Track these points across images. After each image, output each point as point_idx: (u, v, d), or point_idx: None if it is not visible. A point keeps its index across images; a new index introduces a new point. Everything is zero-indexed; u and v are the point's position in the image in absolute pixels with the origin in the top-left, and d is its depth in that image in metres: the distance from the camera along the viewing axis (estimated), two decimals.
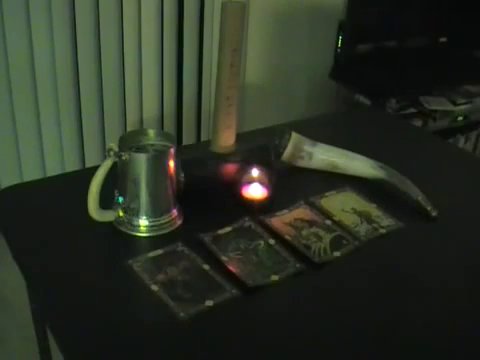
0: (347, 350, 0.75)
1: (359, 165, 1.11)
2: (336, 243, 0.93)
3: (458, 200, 1.10)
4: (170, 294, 0.80)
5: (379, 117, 1.56)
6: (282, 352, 0.75)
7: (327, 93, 2.41)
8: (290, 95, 2.39)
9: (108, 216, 0.93)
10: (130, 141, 0.94)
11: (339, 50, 2.27)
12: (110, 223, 0.93)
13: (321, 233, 0.95)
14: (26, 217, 0.96)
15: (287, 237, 0.93)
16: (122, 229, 0.93)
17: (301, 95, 2.41)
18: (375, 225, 0.99)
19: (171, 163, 0.91)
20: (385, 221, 1.00)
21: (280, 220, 0.97)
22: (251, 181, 1.01)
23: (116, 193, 0.93)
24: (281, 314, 0.81)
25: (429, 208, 1.02)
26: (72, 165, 1.98)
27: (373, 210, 1.03)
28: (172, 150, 0.91)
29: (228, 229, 0.94)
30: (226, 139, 1.03)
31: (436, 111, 2.35)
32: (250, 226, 0.96)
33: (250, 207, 0.99)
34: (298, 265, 0.88)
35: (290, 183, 1.10)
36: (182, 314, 0.77)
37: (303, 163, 1.12)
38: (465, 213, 1.06)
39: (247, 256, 0.89)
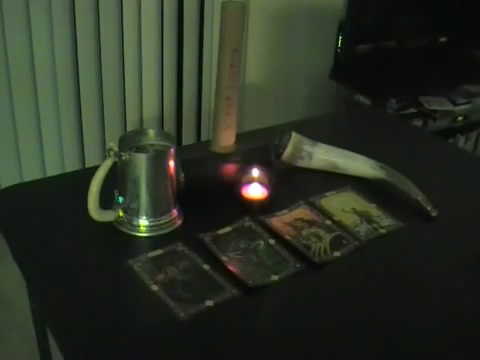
0: (347, 350, 0.75)
1: (359, 165, 1.11)
2: (336, 243, 0.93)
3: (458, 200, 1.10)
4: (170, 294, 0.80)
5: (379, 117, 1.56)
6: (282, 352, 0.75)
7: (327, 93, 2.41)
8: (290, 95, 2.39)
9: (108, 216, 0.93)
10: (130, 141, 0.94)
11: (339, 50, 2.27)
12: (110, 223, 0.93)
13: (321, 233, 0.95)
14: (26, 217, 0.96)
15: (287, 237, 0.93)
16: (122, 229, 0.93)
17: (301, 95, 2.41)
18: (375, 225, 0.99)
19: (171, 163, 0.91)
20: (385, 221, 1.00)
21: (280, 220, 0.97)
22: (251, 181, 1.01)
23: (116, 193, 0.93)
24: (281, 314, 0.81)
25: (429, 208, 1.02)
26: (72, 165, 1.98)
27: (373, 210, 1.03)
28: (172, 150, 0.91)
29: (228, 229, 0.94)
30: (226, 139, 1.03)
31: (436, 111, 2.35)
32: (250, 226, 0.96)
33: (250, 207, 0.99)
34: (298, 265, 0.88)
35: (290, 183, 1.10)
36: (182, 314, 0.77)
37: (303, 163, 1.12)
38: (465, 213, 1.06)
39: (247, 256, 0.89)
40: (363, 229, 0.97)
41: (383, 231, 0.98)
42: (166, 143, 0.95)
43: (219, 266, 0.86)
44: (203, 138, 2.22)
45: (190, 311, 0.78)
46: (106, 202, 0.91)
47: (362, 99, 2.28)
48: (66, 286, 0.82)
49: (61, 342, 0.73)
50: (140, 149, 0.94)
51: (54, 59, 1.80)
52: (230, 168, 1.03)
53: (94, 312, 0.78)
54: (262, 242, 0.92)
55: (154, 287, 0.81)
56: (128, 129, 2.04)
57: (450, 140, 2.42)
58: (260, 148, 1.07)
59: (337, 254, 0.91)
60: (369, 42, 2.30)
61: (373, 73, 2.23)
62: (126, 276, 0.84)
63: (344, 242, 0.94)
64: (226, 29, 0.96)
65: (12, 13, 1.69)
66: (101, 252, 0.90)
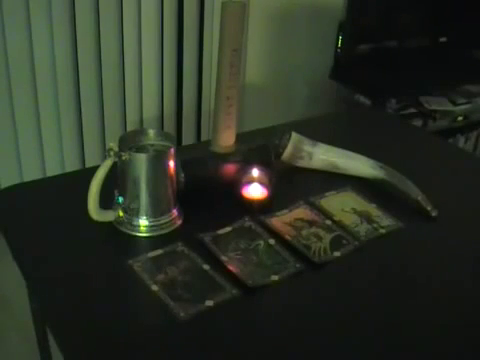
0: (347, 350, 0.75)
1: (359, 165, 1.11)
2: (336, 243, 0.93)
3: (458, 200, 1.10)
4: (170, 294, 0.80)
5: (379, 117, 1.56)
6: (282, 352, 0.75)
7: (327, 93, 2.41)
8: (290, 95, 2.39)
9: (108, 216, 0.93)
10: (130, 141, 0.94)
11: (339, 50, 2.27)
12: (110, 223, 0.93)
13: (321, 233, 0.95)
14: (26, 217, 0.96)
15: (287, 237, 0.93)
16: (122, 229, 0.93)
17: (301, 95, 2.41)
18: (375, 225, 0.99)
19: (171, 163, 0.91)
20: (385, 221, 1.00)
21: (280, 220, 0.97)
22: (251, 181, 1.01)
23: (116, 193, 0.93)
24: (281, 314, 0.81)
25: (429, 208, 1.02)
26: (72, 165, 1.98)
27: (373, 210, 1.03)
28: (172, 150, 0.91)
29: (228, 229, 0.94)
30: (226, 139, 1.03)
31: (436, 111, 2.35)
32: (250, 226, 0.96)
33: (250, 207, 0.99)
34: (298, 265, 0.88)
35: (290, 183, 1.10)
36: (182, 314, 0.77)
37: (303, 163, 1.12)
38: (465, 213, 1.06)
39: (247, 256, 0.89)
40: (363, 229, 0.97)
41: (383, 231, 0.98)
42: (166, 143, 0.94)
43: (219, 266, 0.86)
44: (203, 138, 2.22)
45: (190, 311, 0.78)
46: (106, 202, 0.91)
47: (362, 99, 2.28)
48: (66, 286, 0.82)
49: (61, 342, 0.73)
50: (140, 149, 0.94)
51: (54, 59, 1.80)
52: (230, 168, 1.03)
53: (94, 312, 0.78)
54: (262, 242, 0.92)
55: (154, 287, 0.81)
56: (128, 129, 2.03)
57: (450, 140, 2.42)
58: (260, 148, 1.07)
59: (337, 254, 0.91)
60: (369, 42, 2.30)
61: (373, 73, 2.23)
62: (126, 276, 0.84)
63: (344, 242, 0.94)
64: (226, 29, 0.96)
65: (12, 13, 1.69)
66: (101, 252, 0.90)
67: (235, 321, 0.79)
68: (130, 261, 0.86)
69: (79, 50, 1.83)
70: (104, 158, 0.89)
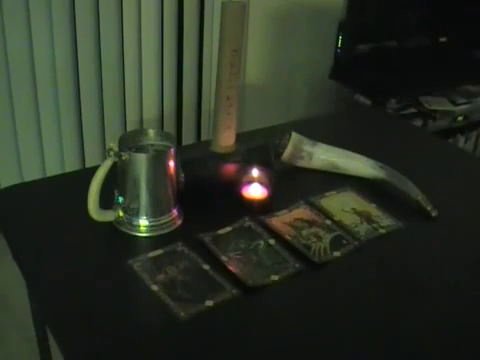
0: (347, 350, 0.75)
1: (359, 165, 1.11)
2: (336, 243, 0.93)
3: (458, 200, 1.10)
4: (170, 294, 0.80)
5: (379, 117, 1.56)
6: (282, 352, 0.75)
7: (327, 93, 2.41)
8: (290, 95, 2.39)
9: (108, 216, 0.93)
10: (130, 141, 0.94)
11: (339, 50, 2.27)
12: (110, 223, 0.93)
13: (321, 233, 0.95)
14: (26, 217, 0.96)
15: (287, 237, 0.93)
16: (122, 229, 0.93)
17: (301, 95, 2.41)
18: (375, 225, 0.99)
19: (171, 163, 0.91)
20: (385, 221, 1.00)
21: (280, 220, 0.97)
22: (251, 181, 1.01)
23: (116, 193, 0.93)
24: (281, 314, 0.81)
25: (429, 208, 1.02)
26: (72, 165, 1.98)
27: (373, 210, 1.03)
28: (172, 150, 0.91)
29: (228, 229, 0.94)
30: (226, 139, 1.03)
31: (436, 111, 2.35)
32: (250, 226, 0.96)
33: (250, 207, 0.99)
34: (298, 265, 0.88)
35: (290, 183, 1.10)
36: (182, 314, 0.77)
37: (303, 163, 1.12)
38: (465, 213, 1.06)
39: (247, 256, 0.89)
40: (363, 229, 0.97)
41: (383, 231, 0.98)
42: (166, 143, 0.95)
43: (219, 266, 0.86)
44: (203, 138, 2.22)
45: (190, 311, 0.78)
46: (106, 202, 0.91)
47: (362, 99, 2.28)
48: (66, 286, 0.82)
49: (61, 342, 0.73)
50: (140, 149, 0.94)
51: (54, 59, 1.80)
52: (230, 168, 1.03)
53: (94, 312, 0.78)
54: (262, 242, 0.92)
55: (154, 287, 0.81)
56: (128, 129, 2.04)
57: (450, 140, 2.42)
58: (260, 148, 1.07)
59: (337, 254, 0.91)
60: (369, 42, 2.30)
61: (373, 73, 2.23)
62: (126, 276, 0.84)
63: (344, 242, 0.94)
64: (226, 29, 0.96)
65: (12, 13, 1.69)
66: (101, 252, 0.91)
67: (235, 321, 0.79)
68: (130, 261, 0.86)
69: (79, 50, 1.83)
70: (104, 158, 0.89)
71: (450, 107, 2.38)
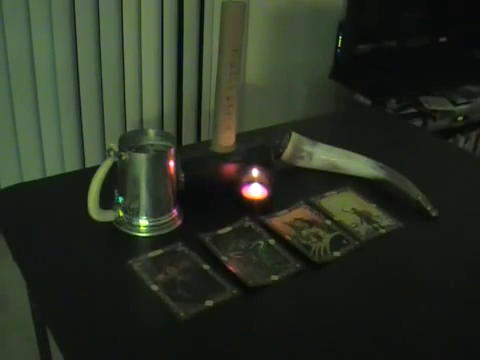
0: (347, 350, 0.75)
1: (359, 165, 1.11)
2: (336, 243, 0.93)
3: (458, 200, 1.10)
4: (170, 294, 0.80)
5: (379, 117, 1.56)
6: (282, 352, 0.75)
7: (327, 93, 2.41)
8: (290, 95, 2.39)
9: (108, 216, 0.93)
10: (130, 141, 0.94)
11: (339, 50, 2.27)
12: (110, 223, 0.93)
13: (321, 233, 0.95)
14: (26, 217, 0.96)
15: (287, 237, 0.93)
16: (122, 229, 0.93)
17: (301, 95, 2.41)
18: (375, 225, 0.99)
19: (171, 163, 0.91)
20: (385, 221, 1.00)
21: (280, 220, 0.97)
22: (251, 181, 1.01)
23: (116, 193, 0.93)
24: (281, 314, 0.81)
25: (429, 208, 1.02)
26: (72, 165, 1.98)
27: (373, 210, 1.03)
28: (172, 150, 0.91)
29: (228, 229, 0.94)
30: (226, 139, 1.03)
31: (436, 111, 2.35)
32: (250, 226, 0.96)
33: (250, 207, 0.99)
34: (298, 265, 0.88)
35: (290, 183, 1.10)
36: (182, 314, 0.77)
37: (303, 163, 1.12)
38: (465, 213, 1.06)
39: (247, 256, 0.89)
40: (363, 229, 0.97)
41: (383, 231, 0.98)
42: (166, 143, 0.94)
43: (219, 266, 0.86)
44: (203, 138, 2.22)
45: (190, 311, 0.78)
46: (106, 202, 0.91)
47: (362, 99, 2.28)
48: (66, 286, 0.82)
49: (61, 342, 0.73)
50: (140, 149, 0.94)
51: (54, 59, 1.80)
52: (230, 168, 1.03)
53: (94, 312, 0.78)
54: (262, 242, 0.92)
55: (154, 287, 0.81)
56: (128, 129, 2.03)
57: (450, 140, 2.42)
58: (260, 148, 1.07)
59: (337, 254, 0.91)
60: (369, 42, 2.30)
61: (373, 73, 2.23)
62: (126, 276, 0.84)
63: (344, 242, 0.94)
64: (226, 29, 0.96)
65: (12, 13, 1.69)
66: (101, 252, 0.91)
67: (235, 321, 0.79)
68: (130, 261, 0.86)
69: (79, 50, 1.83)
70: (104, 158, 0.89)
71: (450, 107, 2.38)
